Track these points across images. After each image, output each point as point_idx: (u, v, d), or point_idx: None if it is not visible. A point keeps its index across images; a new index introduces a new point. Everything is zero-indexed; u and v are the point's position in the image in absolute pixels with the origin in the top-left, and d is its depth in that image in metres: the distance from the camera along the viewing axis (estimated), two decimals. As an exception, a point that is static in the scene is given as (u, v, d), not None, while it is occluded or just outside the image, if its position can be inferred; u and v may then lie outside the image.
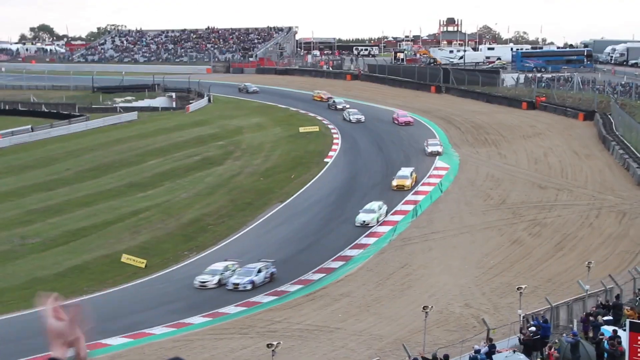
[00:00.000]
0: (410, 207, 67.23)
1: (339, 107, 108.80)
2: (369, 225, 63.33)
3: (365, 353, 39.36)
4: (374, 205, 65.66)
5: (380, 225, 63.92)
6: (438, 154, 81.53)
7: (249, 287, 54.08)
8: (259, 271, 55.51)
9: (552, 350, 30.45)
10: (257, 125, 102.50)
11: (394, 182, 71.67)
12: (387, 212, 65.89)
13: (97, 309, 47.65)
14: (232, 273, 55.84)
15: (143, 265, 59.18)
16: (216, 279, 55.01)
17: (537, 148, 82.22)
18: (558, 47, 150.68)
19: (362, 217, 64.31)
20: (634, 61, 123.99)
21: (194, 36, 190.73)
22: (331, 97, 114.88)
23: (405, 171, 73.32)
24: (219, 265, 56.83)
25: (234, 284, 54.51)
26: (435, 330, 39.44)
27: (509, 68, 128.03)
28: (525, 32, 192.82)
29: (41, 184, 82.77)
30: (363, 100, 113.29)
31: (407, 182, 71.26)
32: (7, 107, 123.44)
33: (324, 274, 56.41)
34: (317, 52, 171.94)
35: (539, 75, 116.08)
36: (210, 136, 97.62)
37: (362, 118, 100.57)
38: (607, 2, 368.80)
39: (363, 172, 78.84)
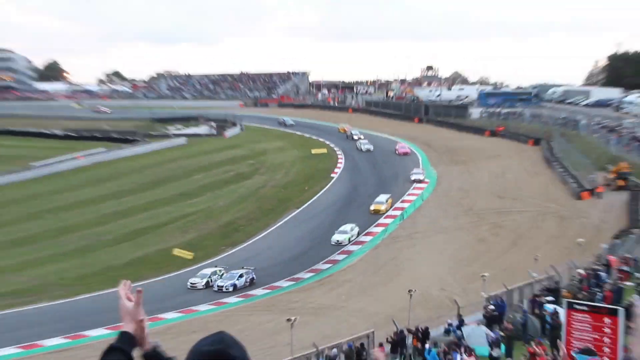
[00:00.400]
0: (397, 213, 67.48)
1: (355, 137, 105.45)
2: (342, 244, 59.96)
3: (363, 326, 39.47)
4: (347, 227, 62.08)
5: (351, 244, 60.71)
6: (420, 181, 77.52)
7: (231, 289, 52.05)
8: (241, 276, 53.27)
9: (507, 323, 30.63)
10: (279, 148, 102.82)
11: (372, 207, 67.14)
12: (358, 233, 61.98)
13: (156, 291, 48.07)
14: (219, 277, 53.77)
15: (191, 257, 59.41)
16: (204, 281, 53.26)
17: (497, 167, 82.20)
18: (513, 89, 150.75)
19: (336, 237, 60.95)
20: (569, 100, 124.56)
21: (230, 79, 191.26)
22: (352, 130, 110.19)
23: (382, 197, 68.71)
24: (207, 271, 54.87)
25: (219, 286, 52.51)
26: (418, 308, 39.54)
27: (475, 104, 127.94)
28: (487, 77, 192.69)
29: (112, 194, 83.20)
30: (361, 128, 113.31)
31: (383, 207, 66.52)
32: (85, 134, 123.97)
33: (330, 265, 56.58)
34: (325, 91, 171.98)
35: (498, 110, 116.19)
36: (242, 156, 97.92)
37: (371, 148, 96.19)
38: (549, 58, 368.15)
39: (361, 185, 78.96)
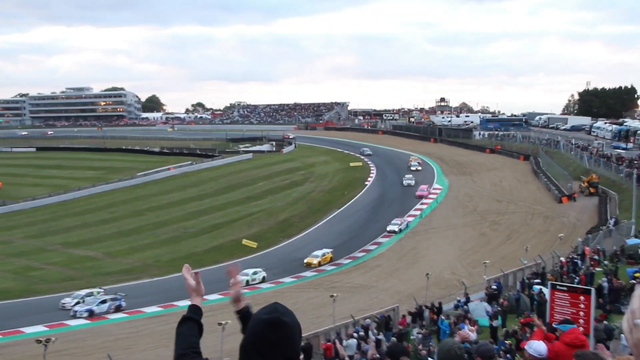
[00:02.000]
0: (417, 213, 66.95)
1: (412, 168, 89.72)
2: (311, 266, 52.30)
3: (390, 301, 39.20)
4: (319, 252, 53.98)
5: (381, 237, 59.94)
6: (410, 186, 77.79)
7: (85, 314, 41.56)
8: (103, 302, 42.88)
9: (504, 300, 30.14)
10: (324, 162, 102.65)
11: (305, 260, 53.53)
12: (331, 259, 53.83)
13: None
14: (94, 299, 43.11)
15: (255, 246, 59.50)
16: (74, 302, 43.18)
17: (495, 177, 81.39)
18: (507, 116, 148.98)
19: (307, 259, 53.24)
20: (552, 125, 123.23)
21: (286, 108, 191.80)
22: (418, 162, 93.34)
23: (317, 252, 54.31)
24: (83, 292, 44.78)
25: (74, 310, 41.96)
26: (433, 288, 39.12)
27: (478, 128, 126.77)
28: (487, 106, 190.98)
29: (195, 197, 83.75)
30: (388, 146, 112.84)
31: (315, 261, 52.76)
32: (176, 151, 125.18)
33: (364, 253, 56.26)
34: (361, 117, 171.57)
35: (496, 132, 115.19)
36: (295, 168, 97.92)
37: (412, 182, 79.06)
38: (536, 91, 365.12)
39: (389, 191, 78.46)
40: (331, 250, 55.04)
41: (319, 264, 53.08)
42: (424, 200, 71.67)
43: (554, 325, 10.49)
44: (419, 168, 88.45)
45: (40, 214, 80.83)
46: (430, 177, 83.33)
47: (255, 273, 49.73)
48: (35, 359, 26.24)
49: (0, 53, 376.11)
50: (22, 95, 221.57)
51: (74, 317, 41.34)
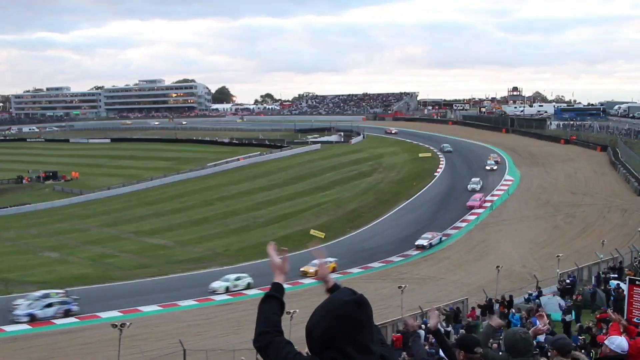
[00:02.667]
0: (488, 205, 65.84)
1: (487, 167, 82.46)
2: (307, 275, 45.85)
3: (459, 293, 38.77)
4: (232, 276, 46.62)
5: (450, 229, 60.16)
6: (474, 190, 70.47)
7: (25, 319, 37.93)
8: (49, 306, 38.87)
9: (578, 295, 29.37)
10: (393, 152, 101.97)
11: (302, 268, 47.46)
12: (334, 269, 46.86)
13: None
14: (39, 303, 39.11)
15: (323, 236, 59.70)
16: (27, 303, 39.11)
17: (570, 168, 79.10)
18: (584, 105, 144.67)
19: (304, 268, 47.32)
20: (632, 115, 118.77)
21: (355, 98, 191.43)
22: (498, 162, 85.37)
23: (317, 262, 49.85)
24: (39, 293, 40.36)
25: (15, 314, 38.29)
26: (503, 281, 38.47)
27: (552, 118, 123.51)
28: (562, 95, 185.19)
29: (264, 187, 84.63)
30: (459, 137, 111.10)
31: (312, 270, 45.51)
32: (245, 141, 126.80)
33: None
34: (430, 107, 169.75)
35: (571, 122, 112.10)
36: (364, 159, 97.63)
37: (478, 187, 71.70)
38: (615, 79, 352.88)
39: (458, 182, 77.38)
40: (335, 259, 48.60)
41: (316, 274, 47.56)
42: (495, 192, 70.32)
43: (635, 321, 10.15)
44: (494, 168, 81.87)
45: (114, 203, 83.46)
46: (501, 170, 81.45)
47: (238, 279, 45.97)
48: (111, 342, 27.12)
49: (78, 47, 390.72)
50: (97, 88, 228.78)
51: (13, 322, 37.76)
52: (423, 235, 55.85)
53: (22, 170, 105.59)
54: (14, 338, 35.13)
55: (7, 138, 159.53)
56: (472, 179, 75.02)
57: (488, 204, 65.32)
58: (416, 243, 54.74)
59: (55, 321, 38.24)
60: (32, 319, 37.94)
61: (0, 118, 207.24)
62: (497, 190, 71.23)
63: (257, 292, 43.30)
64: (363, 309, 2.89)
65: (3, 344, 34.03)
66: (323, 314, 2.93)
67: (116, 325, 25.09)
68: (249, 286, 45.70)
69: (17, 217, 78.03)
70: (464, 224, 60.48)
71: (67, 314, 39.30)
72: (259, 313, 3.23)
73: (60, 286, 46.75)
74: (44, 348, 32.86)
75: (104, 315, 38.81)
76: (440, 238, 55.92)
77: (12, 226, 72.66)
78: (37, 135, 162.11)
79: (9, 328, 36.60)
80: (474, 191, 70.44)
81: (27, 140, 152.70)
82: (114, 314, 38.82)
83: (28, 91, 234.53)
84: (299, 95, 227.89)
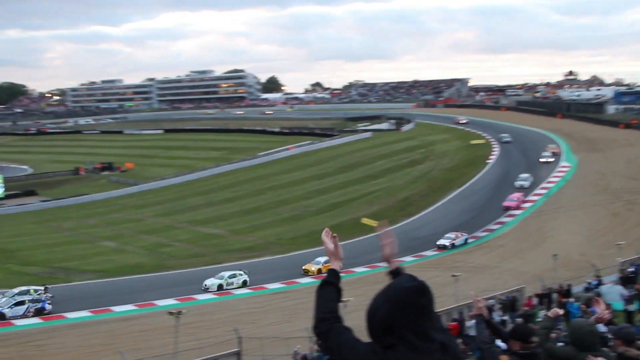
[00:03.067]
0: (544, 192, 64.67)
1: (542, 159, 77.44)
2: (309, 273, 45.41)
3: (514, 282, 38.18)
4: (322, 259, 45.79)
5: (504, 217, 59.01)
6: (522, 187, 65.36)
7: None
8: (19, 304, 37.15)
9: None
10: (444, 140, 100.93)
11: (304, 266, 46.74)
12: (244, 282, 44.22)
13: (348, 250, 48.46)
14: (7, 300, 37.55)
15: (375, 225, 59.50)
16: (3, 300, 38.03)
17: (630, 154, 76.81)
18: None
19: (306, 266, 46.70)
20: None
21: (405, 85, 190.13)
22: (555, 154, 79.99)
23: (320, 259, 46.03)
24: (16, 290, 38.92)
25: None
26: (561, 269, 37.79)
27: (611, 102, 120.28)
28: (622, 78, 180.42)
29: (315, 176, 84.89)
30: (512, 123, 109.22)
31: (314, 268, 45.79)
32: (296, 130, 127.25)
33: (487, 232, 55.04)
34: (482, 93, 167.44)
35: (632, 106, 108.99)
36: (415, 146, 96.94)
37: (527, 184, 66.42)
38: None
39: (513, 169, 76.13)
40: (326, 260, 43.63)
41: (318, 272, 45.10)
42: (551, 179, 68.93)
43: None
44: (550, 160, 76.21)
45: (168, 193, 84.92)
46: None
47: (232, 276, 43.83)
48: (168, 330, 27.64)
49: (130, 40, 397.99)
50: (149, 80, 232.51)
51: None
52: (446, 235, 52.64)
53: (78, 162, 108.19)
54: (76, 324, 36.15)
55: (64, 131, 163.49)
56: (520, 175, 68.99)
57: (528, 204, 60.72)
58: (438, 243, 51.75)
59: (113, 308, 39.15)
60: (1, 317, 36.38)
61: (58, 111, 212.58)
62: (553, 177, 69.79)
63: (248, 292, 43.23)
64: (423, 296, 2.89)
65: (65, 330, 35.08)
66: (384, 300, 2.92)
67: (172, 313, 25.54)
68: (245, 284, 43.86)
69: (75, 208, 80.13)
70: (519, 212, 59.49)
71: (39, 313, 37.26)
72: (316, 299, 3.25)
73: (118, 274, 48.04)
74: (103, 334, 33.70)
75: (160, 303, 39.56)
76: (466, 239, 52.56)
77: (71, 216, 74.66)
78: (92, 127, 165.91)
79: (70, 315, 37.67)
80: (522, 188, 65.26)
81: (83, 132, 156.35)
82: (170, 301, 39.54)
83: (83, 84, 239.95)
84: (349, 83, 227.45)
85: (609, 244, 44.12)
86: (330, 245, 3.46)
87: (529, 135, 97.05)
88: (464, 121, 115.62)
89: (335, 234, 3.51)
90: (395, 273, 3.29)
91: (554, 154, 79.02)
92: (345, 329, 3.12)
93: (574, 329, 5.60)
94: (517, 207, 59.75)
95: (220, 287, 42.85)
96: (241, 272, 44.55)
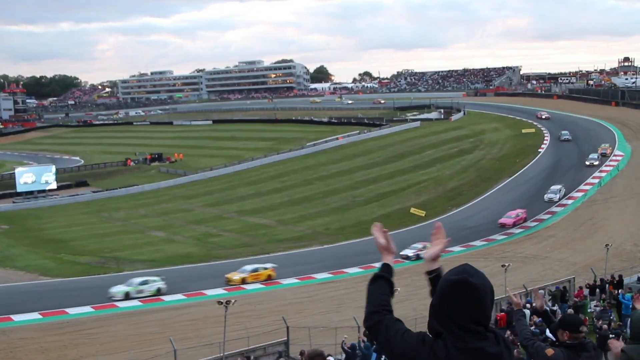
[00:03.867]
0: (595, 181, 63.44)
1: (587, 162, 70.27)
2: (231, 283, 42.00)
3: (565, 272, 37.74)
4: (249, 267, 43.42)
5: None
6: (552, 201, 58.83)
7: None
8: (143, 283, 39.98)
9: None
10: (495, 129, 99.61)
11: (227, 274, 42.94)
12: (269, 277, 42.91)
13: (397, 240, 48.41)
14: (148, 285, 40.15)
15: (423, 215, 59.43)
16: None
17: (685, 142, 74.81)
18: None
19: (229, 275, 42.90)
20: None
21: (455, 74, 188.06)
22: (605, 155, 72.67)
23: (247, 267, 43.54)
24: (136, 279, 40.78)
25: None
26: (613, 259, 37.14)
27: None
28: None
29: (363, 166, 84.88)
30: (565, 111, 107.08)
31: (237, 277, 42.42)
32: (344, 120, 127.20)
33: (538, 222, 54.39)
34: (534, 82, 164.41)
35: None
36: (465, 136, 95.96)
37: (556, 197, 59.09)
38: None
39: (564, 158, 74.88)
40: (273, 266, 44.30)
41: (242, 282, 42.05)
42: (603, 168, 67.51)
43: None
44: (595, 163, 68.96)
45: (217, 183, 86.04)
46: (611, 143, 77.75)
47: (144, 283, 40.67)
48: (217, 319, 28.22)
49: (180, 31, 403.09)
50: (199, 71, 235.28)
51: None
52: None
53: (129, 153, 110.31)
54: (127, 313, 37.14)
55: (115, 122, 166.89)
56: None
57: (526, 229, 53.58)
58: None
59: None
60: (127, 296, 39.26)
61: (109, 103, 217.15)
62: (606, 166, 68.37)
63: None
64: (463, 291, 2.94)
65: (117, 319, 36.09)
66: (437, 290, 3.06)
67: (222, 302, 25.97)
68: (158, 292, 40.76)
69: (125, 198, 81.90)
70: (570, 201, 58.58)
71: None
72: (368, 293, 3.30)
73: (168, 264, 49.02)
74: (155, 323, 34.55)
75: (210, 292, 40.32)
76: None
77: (121, 207, 76.33)
78: (142, 118, 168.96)
79: (121, 304, 38.69)
80: (551, 202, 58.97)
81: (134, 123, 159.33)
82: (219, 291, 40.23)
83: (134, 76, 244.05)
84: (398, 72, 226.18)
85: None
86: (382, 240, 3.49)
87: (581, 123, 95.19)
88: (546, 116, 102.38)
89: (386, 229, 3.55)
90: (434, 275, 3.32)
91: (603, 156, 71.43)
92: (395, 320, 3.16)
93: (638, 319, 5.50)
94: (514, 225, 53.53)
95: (127, 295, 39.57)
96: (155, 279, 41.31)
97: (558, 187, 61.03)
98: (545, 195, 60.28)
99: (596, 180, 63.33)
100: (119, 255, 52.76)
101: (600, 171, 66.52)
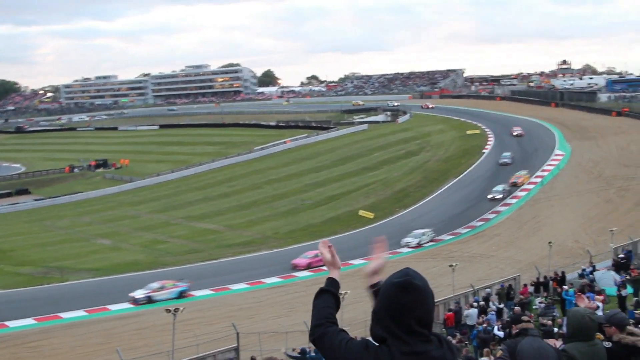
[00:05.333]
0: (538, 180, 64.82)
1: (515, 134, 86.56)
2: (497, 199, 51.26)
3: (510, 271, 38.39)
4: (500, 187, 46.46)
5: (500, 205, 57.86)
6: (506, 164, 70.69)
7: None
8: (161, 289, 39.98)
9: (634, 269, 28.85)
10: (440, 130, 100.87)
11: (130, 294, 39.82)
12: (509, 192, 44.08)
13: (345, 242, 48.64)
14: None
15: (372, 217, 59.74)
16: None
17: (622, 141, 76.93)
18: (636, 76, 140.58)
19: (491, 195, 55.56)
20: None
21: (401, 77, 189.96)
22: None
23: (154, 284, 40.88)
24: (155, 285, 40.58)
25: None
26: (556, 257, 37.97)
27: (603, 90, 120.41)
28: (613, 67, 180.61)
29: (312, 169, 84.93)
30: (507, 113, 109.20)
31: (140, 296, 39.47)
32: (292, 124, 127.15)
33: (483, 222, 55.13)
34: (477, 84, 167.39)
35: (623, 94, 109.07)
36: (411, 138, 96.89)
37: (509, 160, 71.56)
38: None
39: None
40: (184, 283, 41.76)
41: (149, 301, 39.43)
42: (545, 167, 69.11)
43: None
44: (497, 197, 60.76)
45: (164, 189, 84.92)
46: (551, 145, 79.62)
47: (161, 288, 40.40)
48: (165, 327, 27.77)
49: (125, 35, 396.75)
50: (144, 75, 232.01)
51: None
52: (414, 232, 50.98)
53: (73, 160, 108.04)
54: (71, 324, 36.23)
55: (58, 128, 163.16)
56: (503, 154, 72.28)
57: (472, 228, 53.85)
58: (402, 242, 49.40)
59: (109, 307, 39.29)
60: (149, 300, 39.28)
61: (51, 108, 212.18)
62: (548, 165, 69.98)
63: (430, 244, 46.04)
64: (407, 293, 2.95)
65: (60, 330, 35.18)
66: (379, 295, 3.05)
67: (170, 310, 25.58)
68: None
69: (70, 206, 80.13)
70: (514, 200, 59.70)
71: (180, 295, 40.23)
72: (313, 308, 3.30)
73: (114, 272, 48.08)
74: (101, 334, 33.78)
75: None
76: (432, 234, 51.70)
77: (65, 215, 74.62)
78: (86, 124, 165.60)
79: (65, 315, 37.74)
80: (505, 165, 69.88)
81: (78, 129, 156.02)
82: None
83: (77, 80, 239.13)
84: (345, 75, 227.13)
85: (602, 231, 44.37)
86: (328, 255, 3.50)
87: (522, 124, 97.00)
88: (519, 132, 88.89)
89: (331, 244, 3.55)
90: (377, 288, 3.31)
91: (513, 185, 63.60)
92: (339, 331, 3.17)
93: (573, 316, 5.55)
94: (308, 266, 46.10)
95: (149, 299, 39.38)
96: None
97: (509, 153, 67.45)
98: (488, 195, 61.04)
99: (539, 180, 64.71)
100: (63, 265, 51.43)
101: (543, 170, 68.03)
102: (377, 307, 3.03)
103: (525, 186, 63.34)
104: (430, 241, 50.68)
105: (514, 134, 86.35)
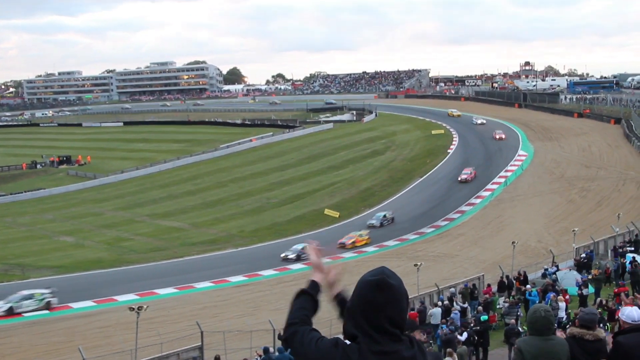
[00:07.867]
0: (502, 180, 65.44)
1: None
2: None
3: (474, 270, 38.66)
4: (22, 293, 37.47)
5: (465, 205, 58.38)
6: (466, 181, 65.65)
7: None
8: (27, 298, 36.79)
9: (595, 269, 29.23)
10: (405, 130, 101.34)
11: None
12: (47, 304, 37.11)
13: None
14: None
15: (337, 216, 59.73)
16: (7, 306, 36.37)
17: (583, 142, 78.29)
18: (597, 78, 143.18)
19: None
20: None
21: (366, 76, 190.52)
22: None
23: (23, 292, 37.99)
24: (24, 293, 37.45)
25: None
26: (519, 256, 38.36)
27: (565, 92, 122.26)
28: (575, 69, 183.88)
29: (277, 167, 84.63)
30: (471, 113, 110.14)
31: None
32: (257, 122, 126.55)
33: (448, 222, 55.54)
34: (442, 84, 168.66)
35: (584, 96, 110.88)
36: (377, 137, 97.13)
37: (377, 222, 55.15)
38: (628, 52, 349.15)
39: (472, 158, 76.90)
40: (50, 292, 38.35)
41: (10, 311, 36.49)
42: (509, 168, 69.89)
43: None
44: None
45: (128, 186, 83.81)
46: (514, 145, 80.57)
47: (28, 297, 37.26)
48: (129, 325, 27.30)
49: (89, 31, 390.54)
50: (109, 72, 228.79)
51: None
52: (376, 215, 56.80)
53: (35, 156, 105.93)
54: (32, 322, 35.47)
55: (21, 123, 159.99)
56: (464, 170, 68.10)
57: (437, 228, 54.09)
58: (281, 255, 47.43)
59: (72, 305, 38.53)
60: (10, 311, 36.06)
61: (13, 103, 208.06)
62: (511, 165, 70.77)
63: (352, 255, 45.01)
64: (382, 291, 2.91)
65: (22, 328, 34.41)
66: (354, 292, 3.02)
67: (133, 309, 25.16)
68: (48, 306, 37.44)
69: (32, 202, 78.58)
70: (478, 200, 60.23)
71: (46, 306, 37.22)
72: (290, 307, 3.26)
73: (77, 270, 47.29)
74: (63, 332, 33.17)
75: (121, 298, 39.10)
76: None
77: (27, 211, 73.19)
78: (49, 120, 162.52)
79: (27, 313, 36.91)
80: (465, 182, 65.40)
81: (40, 125, 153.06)
82: (131, 297, 39.09)
83: (40, 76, 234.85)
84: (311, 74, 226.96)
85: (565, 231, 45.02)
86: (315, 258, 3.44)
87: (487, 125, 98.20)
88: (500, 136, 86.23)
89: (320, 248, 3.52)
90: (339, 299, 3.29)
91: (501, 138, 71.45)
92: (310, 330, 3.13)
93: (529, 312, 5.60)
94: (353, 245, 49.31)
95: (10, 310, 36.49)
96: (44, 291, 38.05)
97: (381, 214, 57.34)
98: (368, 222, 56.41)
99: (503, 180, 65.36)
100: (24, 262, 50.39)
101: (506, 170, 68.74)
102: (350, 303, 3.01)
103: (489, 186, 63.88)
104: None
105: (496, 137, 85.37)
